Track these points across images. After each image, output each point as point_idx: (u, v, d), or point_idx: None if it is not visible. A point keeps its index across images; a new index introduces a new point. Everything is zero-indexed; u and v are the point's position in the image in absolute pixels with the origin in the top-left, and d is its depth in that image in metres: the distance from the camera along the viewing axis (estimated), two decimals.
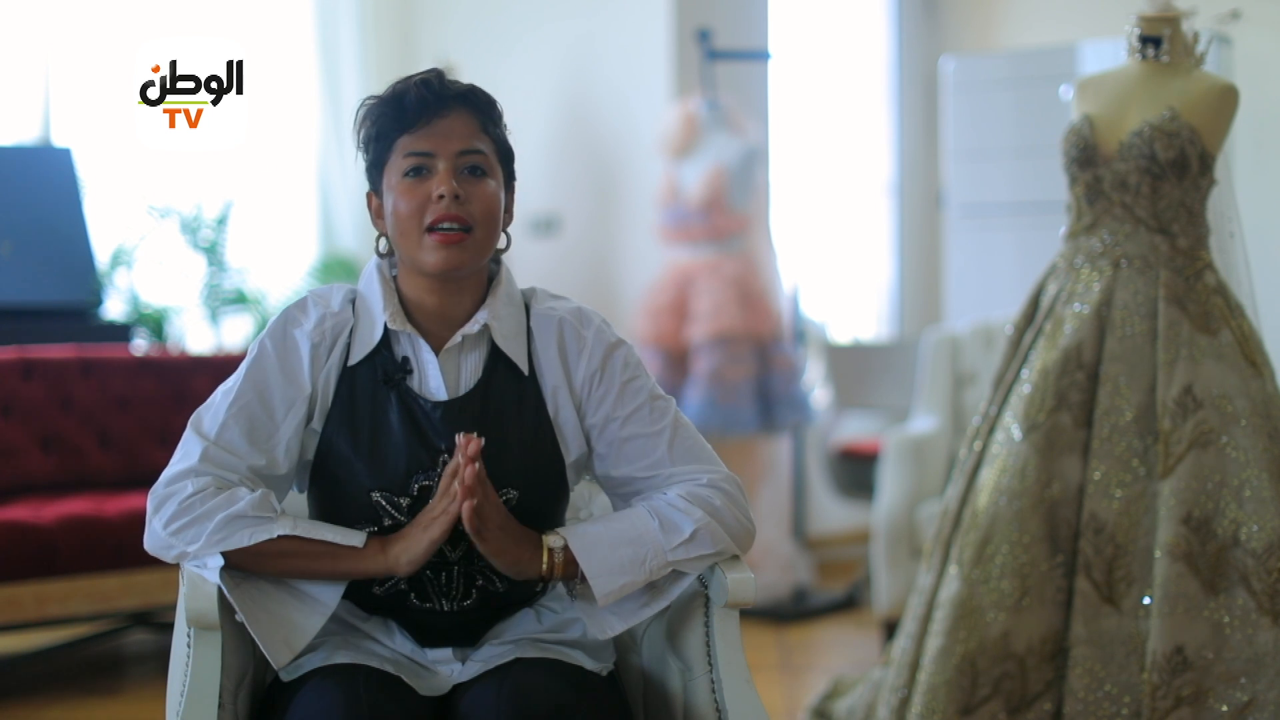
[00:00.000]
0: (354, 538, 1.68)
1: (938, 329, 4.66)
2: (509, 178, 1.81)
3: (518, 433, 1.76)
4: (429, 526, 1.67)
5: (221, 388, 1.77)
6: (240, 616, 1.64)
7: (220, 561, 1.65)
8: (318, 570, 1.70)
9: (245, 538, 1.65)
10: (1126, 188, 2.75)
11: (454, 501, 1.65)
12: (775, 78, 5.65)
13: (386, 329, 1.77)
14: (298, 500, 1.87)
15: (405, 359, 1.77)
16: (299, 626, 1.68)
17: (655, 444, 1.78)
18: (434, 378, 1.76)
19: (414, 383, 1.77)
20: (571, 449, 1.80)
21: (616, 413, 1.78)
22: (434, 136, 1.73)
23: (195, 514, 1.66)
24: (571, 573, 1.71)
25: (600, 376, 1.79)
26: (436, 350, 1.77)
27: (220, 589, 1.64)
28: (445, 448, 1.73)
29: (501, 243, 1.80)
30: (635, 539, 1.71)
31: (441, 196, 1.71)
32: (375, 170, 1.78)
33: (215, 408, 1.74)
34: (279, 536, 1.66)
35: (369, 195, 1.81)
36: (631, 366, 1.81)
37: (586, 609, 1.74)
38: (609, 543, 1.70)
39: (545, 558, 1.70)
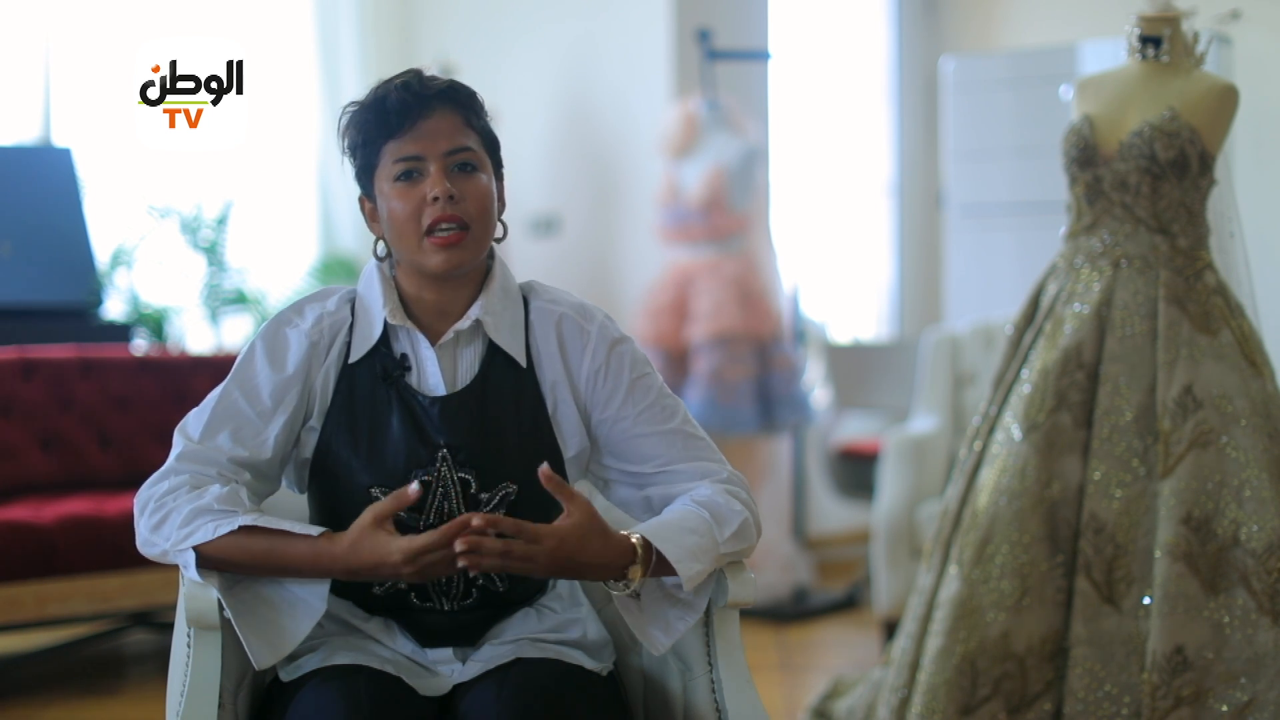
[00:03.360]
0: (313, 530, 1.67)
1: (938, 329, 4.66)
2: (497, 167, 1.81)
3: (516, 426, 1.76)
4: (402, 565, 1.63)
5: (212, 391, 1.78)
6: (228, 613, 1.64)
7: (193, 559, 1.64)
8: (282, 571, 1.68)
9: (209, 531, 1.64)
10: (1126, 188, 2.75)
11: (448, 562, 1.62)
12: (775, 78, 5.65)
13: (386, 326, 1.77)
14: (298, 502, 1.86)
15: (404, 355, 1.77)
16: (286, 630, 1.68)
17: (668, 441, 1.78)
18: (433, 374, 1.76)
19: (413, 379, 1.77)
20: (570, 444, 1.79)
21: (626, 410, 1.78)
22: (421, 139, 1.73)
23: (167, 509, 1.67)
24: (644, 574, 1.69)
25: (605, 373, 1.79)
26: (435, 345, 1.77)
27: (214, 588, 1.65)
28: (444, 442, 1.73)
29: (497, 232, 1.80)
30: (695, 529, 1.70)
31: (436, 199, 1.71)
32: (365, 175, 1.78)
33: (201, 410, 1.76)
34: (242, 530, 1.64)
35: (361, 199, 1.81)
36: (639, 363, 1.81)
37: (638, 621, 1.72)
38: (677, 530, 1.70)
39: (640, 554, 1.67)
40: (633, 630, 1.72)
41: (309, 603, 1.70)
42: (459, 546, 1.58)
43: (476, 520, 1.60)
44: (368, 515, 1.64)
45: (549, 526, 1.63)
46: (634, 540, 1.67)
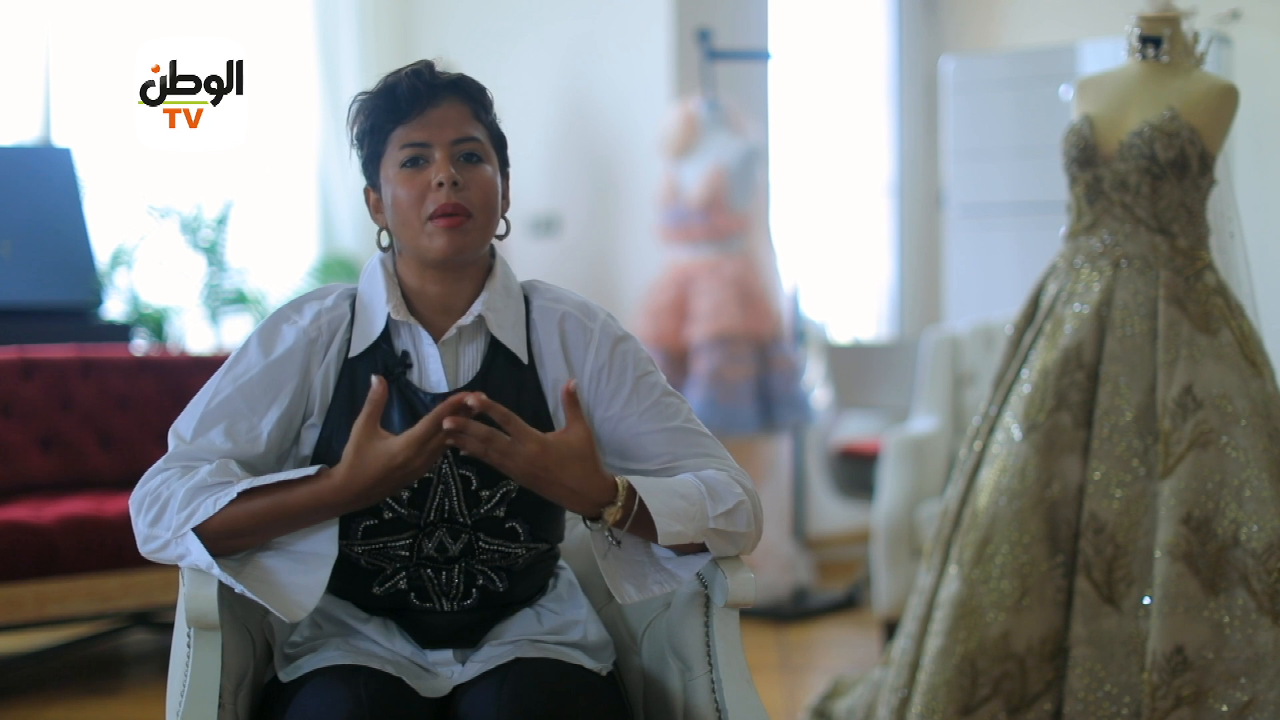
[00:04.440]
0: (309, 470, 1.66)
1: (938, 329, 4.66)
2: (504, 164, 1.81)
3: None
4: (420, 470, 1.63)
5: (203, 388, 1.77)
6: (240, 588, 1.62)
7: (198, 543, 1.63)
8: (292, 524, 1.67)
9: (210, 506, 1.63)
10: (1126, 188, 2.75)
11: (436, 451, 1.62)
12: (775, 78, 5.65)
13: (388, 322, 1.77)
14: None
15: (406, 352, 1.77)
16: (306, 586, 1.67)
17: (672, 439, 1.78)
18: (434, 370, 1.76)
19: (414, 376, 1.77)
20: None
21: (630, 409, 1.78)
22: (428, 126, 1.73)
23: (163, 499, 1.66)
24: (619, 524, 1.69)
25: (608, 371, 1.79)
26: (437, 342, 1.77)
27: (218, 581, 1.63)
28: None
29: (501, 229, 1.80)
30: (686, 494, 1.71)
31: (440, 184, 1.71)
32: (372, 164, 1.79)
33: (192, 409, 1.75)
34: (241, 495, 1.63)
35: (366, 190, 1.82)
36: (643, 362, 1.81)
37: (610, 569, 1.72)
38: (667, 491, 1.70)
39: (621, 495, 1.67)
40: (604, 576, 1.72)
41: (319, 554, 1.69)
42: (447, 424, 1.58)
43: (471, 399, 1.59)
44: (356, 432, 1.63)
45: (538, 432, 1.63)
46: (618, 480, 1.68)
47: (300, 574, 1.67)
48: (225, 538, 1.65)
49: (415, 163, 1.73)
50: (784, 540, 5.03)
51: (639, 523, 1.68)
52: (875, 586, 4.20)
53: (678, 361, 4.90)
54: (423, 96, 1.74)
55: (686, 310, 4.88)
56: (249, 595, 1.63)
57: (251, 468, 1.74)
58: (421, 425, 1.61)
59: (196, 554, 1.64)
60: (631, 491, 1.68)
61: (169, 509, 1.65)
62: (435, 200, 1.72)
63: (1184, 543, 2.56)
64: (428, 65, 1.76)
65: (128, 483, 3.97)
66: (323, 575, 1.67)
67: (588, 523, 1.71)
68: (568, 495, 1.66)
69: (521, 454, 1.62)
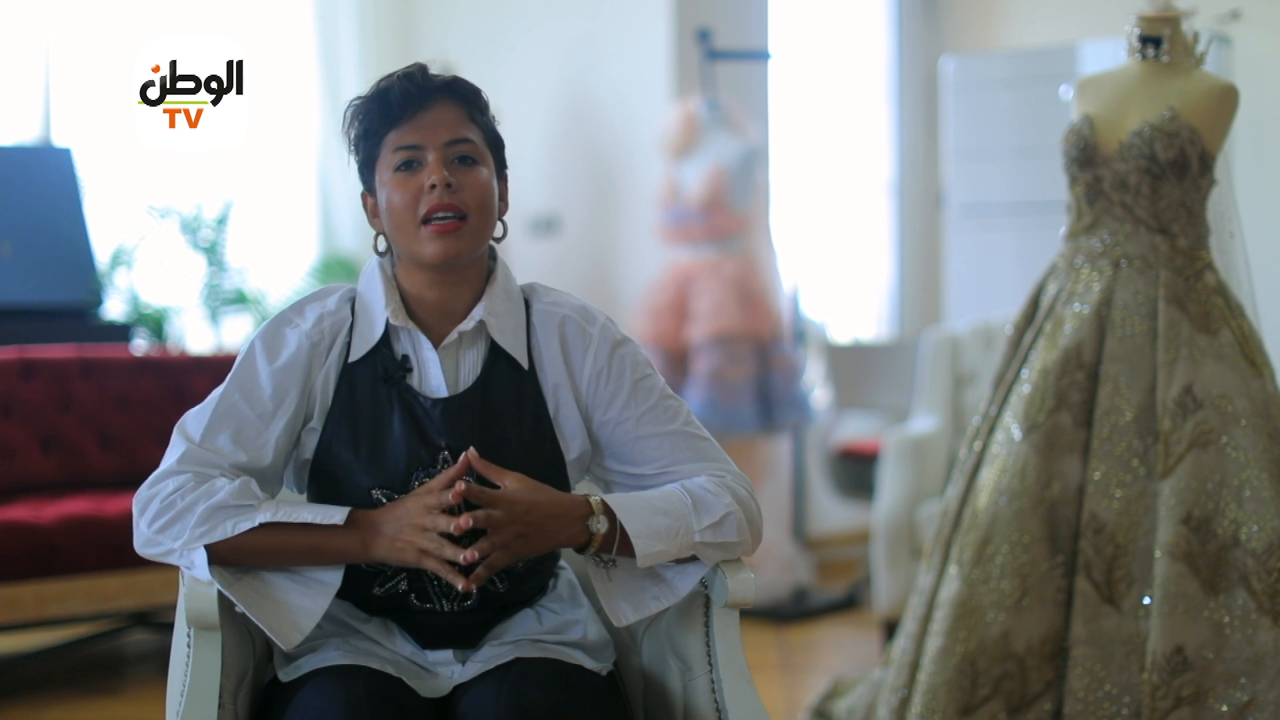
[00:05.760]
0: (334, 514, 1.67)
1: (938, 329, 4.66)
2: (500, 165, 1.81)
3: (517, 429, 1.76)
4: (421, 558, 1.66)
5: (213, 391, 1.77)
6: (240, 608, 1.63)
7: (204, 557, 1.64)
8: (302, 560, 1.69)
9: (229, 528, 1.64)
10: (1126, 188, 2.75)
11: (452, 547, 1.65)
12: (775, 78, 5.65)
13: (387, 326, 1.77)
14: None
15: (405, 357, 1.77)
16: (305, 609, 1.67)
17: (669, 443, 1.78)
18: (434, 375, 1.76)
19: (414, 380, 1.77)
20: (572, 446, 1.79)
21: (628, 412, 1.78)
22: (421, 129, 1.73)
23: (177, 509, 1.66)
24: (608, 544, 1.70)
25: (607, 375, 1.79)
26: (437, 346, 1.77)
27: (218, 587, 1.64)
28: (445, 444, 1.73)
29: (498, 232, 1.80)
30: (669, 510, 1.71)
31: (434, 186, 1.71)
32: (367, 169, 1.78)
33: (201, 410, 1.75)
34: (261, 525, 1.65)
35: (364, 195, 1.82)
36: (641, 365, 1.81)
37: (607, 590, 1.72)
38: (647, 509, 1.71)
39: (595, 511, 1.69)
40: (600, 599, 1.72)
41: (323, 581, 1.70)
42: (467, 588, 1.63)
43: (468, 553, 1.63)
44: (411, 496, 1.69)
45: (502, 496, 1.65)
46: (590, 499, 1.70)
47: (300, 595, 1.68)
48: (232, 553, 1.66)
49: (409, 165, 1.73)
50: (784, 540, 5.03)
51: (626, 540, 1.69)
52: (875, 586, 4.20)
53: (678, 362, 4.90)
54: (415, 99, 1.73)
55: (686, 310, 4.87)
56: (249, 615, 1.64)
57: (260, 476, 1.74)
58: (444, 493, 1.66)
59: (200, 570, 1.65)
60: (609, 508, 1.69)
61: (183, 522, 1.66)
62: (428, 202, 1.71)
63: (1184, 543, 2.56)
64: (420, 68, 1.76)
65: (127, 483, 3.99)
66: (323, 602, 1.69)
67: (580, 551, 1.72)
68: (558, 523, 1.68)
69: (507, 522, 1.64)
